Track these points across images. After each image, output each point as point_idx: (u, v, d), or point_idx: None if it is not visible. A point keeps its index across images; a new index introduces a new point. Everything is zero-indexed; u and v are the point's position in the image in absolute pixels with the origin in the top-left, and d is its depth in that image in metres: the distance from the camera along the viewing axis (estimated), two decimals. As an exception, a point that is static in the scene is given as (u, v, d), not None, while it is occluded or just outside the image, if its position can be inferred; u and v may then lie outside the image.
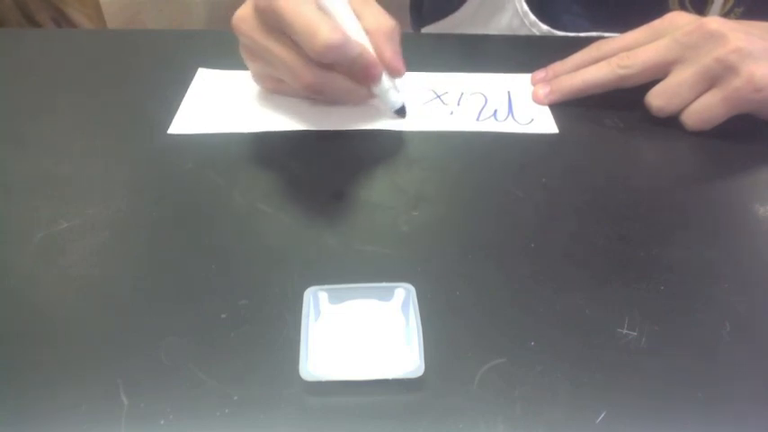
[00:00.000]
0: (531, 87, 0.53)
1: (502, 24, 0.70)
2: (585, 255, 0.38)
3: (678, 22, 0.48)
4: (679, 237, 0.39)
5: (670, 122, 0.48)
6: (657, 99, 0.48)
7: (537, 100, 0.52)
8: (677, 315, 0.34)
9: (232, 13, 0.46)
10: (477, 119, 0.49)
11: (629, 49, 0.48)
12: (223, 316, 0.34)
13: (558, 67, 0.53)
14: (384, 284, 0.34)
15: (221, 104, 0.50)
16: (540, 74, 0.54)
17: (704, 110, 0.46)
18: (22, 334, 0.33)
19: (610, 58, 0.49)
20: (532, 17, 0.68)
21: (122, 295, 0.35)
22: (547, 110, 0.51)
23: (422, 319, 0.32)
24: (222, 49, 0.54)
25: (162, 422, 0.29)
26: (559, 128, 0.49)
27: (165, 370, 0.31)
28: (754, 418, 0.30)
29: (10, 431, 0.29)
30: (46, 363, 0.32)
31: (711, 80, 0.45)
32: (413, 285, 0.34)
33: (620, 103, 0.50)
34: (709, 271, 0.37)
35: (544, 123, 0.49)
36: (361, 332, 0.33)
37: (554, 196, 0.42)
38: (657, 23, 0.49)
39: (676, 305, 0.35)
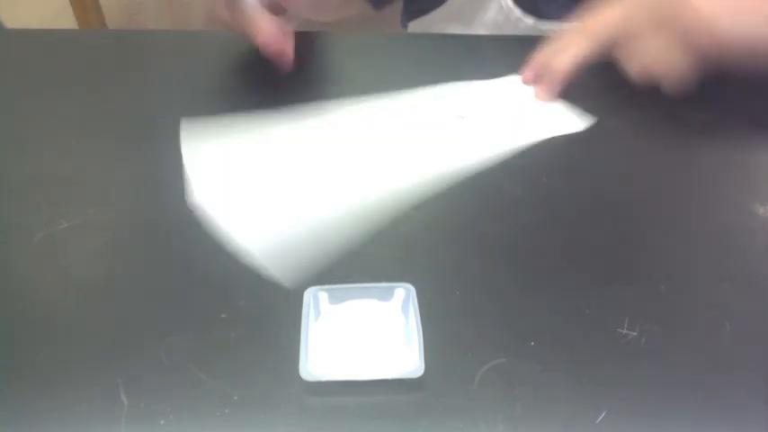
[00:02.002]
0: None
1: (487, 19, 0.70)
2: (585, 255, 0.38)
3: None
4: (679, 237, 0.39)
5: (669, 122, 0.48)
6: (634, 60, 0.47)
7: (543, 98, 0.51)
8: (677, 315, 0.34)
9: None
10: (506, 139, 0.47)
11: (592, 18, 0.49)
12: (223, 316, 0.34)
13: (540, 57, 0.52)
14: (384, 284, 0.34)
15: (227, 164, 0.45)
16: (530, 73, 0.52)
17: (673, 60, 0.46)
18: (22, 334, 0.33)
19: (581, 29, 0.49)
20: (517, 13, 0.68)
21: (122, 295, 0.35)
22: (563, 106, 0.50)
23: (422, 319, 0.32)
24: (222, 49, 0.54)
25: (162, 422, 0.29)
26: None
27: (165, 370, 0.31)
28: (754, 418, 0.30)
29: (10, 431, 0.29)
30: (46, 363, 0.32)
31: (666, 26, 0.46)
32: (413, 285, 0.34)
33: (620, 104, 0.50)
34: (709, 271, 0.37)
35: (570, 120, 0.49)
36: (361, 332, 0.33)
37: (554, 196, 0.42)
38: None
39: (676, 305, 0.35)
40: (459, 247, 0.38)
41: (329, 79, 0.51)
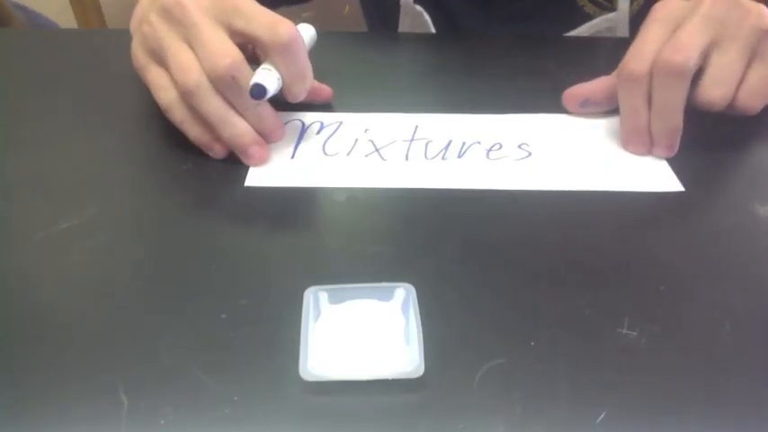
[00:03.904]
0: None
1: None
2: (585, 255, 0.38)
3: (676, 5, 0.44)
4: (679, 236, 0.39)
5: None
6: (716, 89, 0.43)
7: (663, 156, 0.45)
8: (677, 315, 0.34)
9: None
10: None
11: (669, 48, 0.42)
12: (223, 316, 0.34)
13: (635, 121, 0.45)
14: (384, 284, 0.34)
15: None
16: (642, 144, 0.45)
17: (761, 83, 0.43)
18: (22, 334, 0.33)
19: (665, 67, 0.42)
20: (433, 29, 0.69)
21: (122, 295, 0.35)
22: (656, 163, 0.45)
23: (422, 319, 0.32)
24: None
25: (162, 422, 0.29)
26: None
27: (165, 370, 0.31)
28: (754, 418, 0.30)
29: (10, 431, 0.29)
30: (46, 363, 0.32)
31: (753, 51, 0.43)
32: (413, 285, 0.34)
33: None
34: (709, 271, 0.37)
35: (658, 179, 0.44)
36: (361, 332, 0.33)
37: (554, 195, 0.42)
38: (660, 15, 0.44)
39: (676, 305, 0.35)
40: (459, 247, 0.38)
41: (330, 79, 0.51)
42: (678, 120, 0.43)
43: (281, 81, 0.43)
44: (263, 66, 0.43)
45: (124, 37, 0.50)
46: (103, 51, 0.59)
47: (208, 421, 0.29)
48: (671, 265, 0.37)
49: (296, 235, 0.39)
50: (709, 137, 0.47)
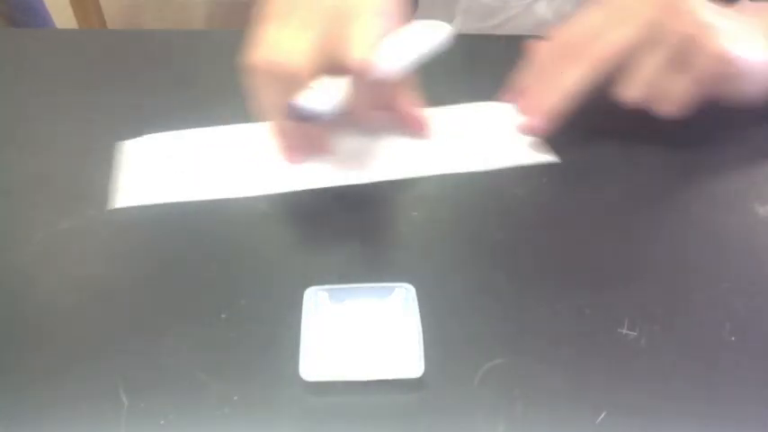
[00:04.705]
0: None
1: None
2: (585, 255, 0.38)
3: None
4: (679, 237, 0.39)
5: (669, 121, 0.48)
6: (634, 90, 0.43)
7: (530, 133, 0.46)
8: (677, 315, 0.34)
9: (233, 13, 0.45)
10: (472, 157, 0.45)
11: (590, 36, 0.43)
12: (223, 316, 0.34)
13: (529, 83, 0.47)
14: (384, 284, 0.34)
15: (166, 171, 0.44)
16: (519, 102, 0.47)
17: (680, 94, 0.42)
18: (23, 334, 0.33)
19: (577, 51, 0.43)
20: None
21: (122, 295, 0.35)
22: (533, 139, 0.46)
23: (422, 319, 0.32)
24: (222, 49, 0.54)
25: (162, 422, 0.29)
26: (560, 127, 0.49)
27: (165, 370, 0.31)
28: (753, 418, 0.30)
29: (10, 431, 0.29)
30: (46, 363, 0.32)
31: (682, 61, 0.42)
32: (413, 285, 0.34)
33: (620, 103, 0.50)
34: (708, 271, 0.37)
35: (534, 153, 0.46)
36: (361, 332, 0.33)
37: (554, 196, 0.42)
38: (616, 1, 0.44)
39: (676, 305, 0.35)
40: (459, 247, 0.38)
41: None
42: (553, 103, 0.44)
43: (335, 102, 0.37)
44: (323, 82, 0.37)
45: (124, 37, 0.50)
46: (103, 51, 0.59)
47: (208, 421, 0.29)
48: (671, 265, 0.37)
49: (296, 235, 0.39)
50: (709, 137, 0.47)
